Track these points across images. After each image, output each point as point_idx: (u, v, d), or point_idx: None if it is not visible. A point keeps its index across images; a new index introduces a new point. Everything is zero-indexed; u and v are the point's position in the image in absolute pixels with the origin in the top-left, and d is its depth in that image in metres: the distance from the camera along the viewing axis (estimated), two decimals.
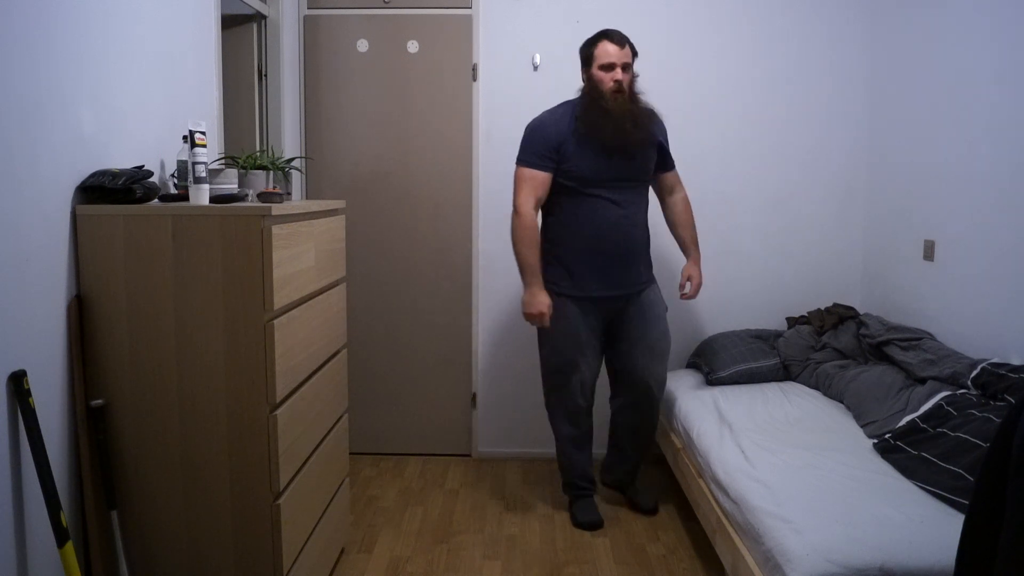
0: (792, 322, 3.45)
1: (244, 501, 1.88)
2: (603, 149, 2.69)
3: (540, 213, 2.85)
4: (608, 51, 2.67)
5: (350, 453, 2.98)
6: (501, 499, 3.19)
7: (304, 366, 2.11)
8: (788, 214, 3.53)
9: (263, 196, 2.06)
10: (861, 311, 3.39)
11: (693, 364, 3.42)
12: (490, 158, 3.47)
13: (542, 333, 2.86)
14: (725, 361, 3.17)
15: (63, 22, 1.73)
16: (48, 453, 1.64)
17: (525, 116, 2.83)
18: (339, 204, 2.53)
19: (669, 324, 2.96)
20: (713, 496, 2.42)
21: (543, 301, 2.73)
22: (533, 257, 2.74)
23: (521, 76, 3.46)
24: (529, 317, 2.76)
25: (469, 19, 3.44)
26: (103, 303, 1.81)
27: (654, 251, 2.96)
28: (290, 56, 3.36)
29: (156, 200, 1.94)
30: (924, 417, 2.37)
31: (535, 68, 3.46)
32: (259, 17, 3.17)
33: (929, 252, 2.97)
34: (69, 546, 1.66)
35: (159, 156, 2.17)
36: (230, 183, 2.10)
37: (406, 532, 2.88)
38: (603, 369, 2.99)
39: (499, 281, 3.50)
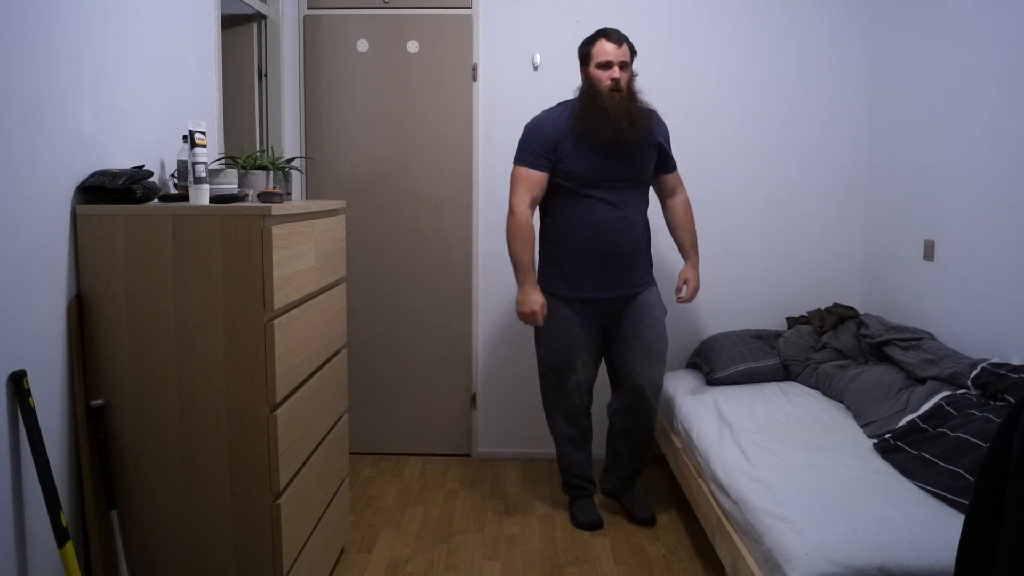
0: (792, 322, 3.45)
1: (244, 501, 1.88)
2: (599, 149, 2.68)
3: (539, 213, 2.85)
4: (605, 49, 2.66)
5: (350, 453, 2.98)
6: (501, 499, 3.19)
7: (304, 366, 2.11)
8: (788, 214, 3.53)
9: (263, 196, 2.06)
10: (861, 311, 3.39)
11: (693, 364, 3.43)
12: (490, 158, 3.47)
13: (538, 333, 2.86)
14: (725, 361, 3.17)
15: (63, 22, 1.73)
16: (48, 453, 1.64)
17: (525, 116, 2.83)
18: (339, 204, 2.53)
19: (669, 323, 2.95)
20: (713, 496, 2.42)
21: (536, 300, 2.73)
22: (527, 256, 2.74)
23: (521, 76, 3.46)
24: (522, 316, 2.76)
25: (469, 19, 3.44)
26: (103, 303, 1.81)
27: (654, 253, 2.94)
28: (290, 56, 3.36)
29: (156, 200, 1.94)
30: (924, 417, 2.37)
31: (535, 68, 3.46)
32: (259, 17, 3.18)
33: (929, 252, 2.97)
34: (69, 546, 1.66)
35: (159, 156, 2.17)
36: (230, 183, 2.10)
37: (406, 532, 2.88)
38: (605, 371, 2.98)
39: (499, 281, 3.50)
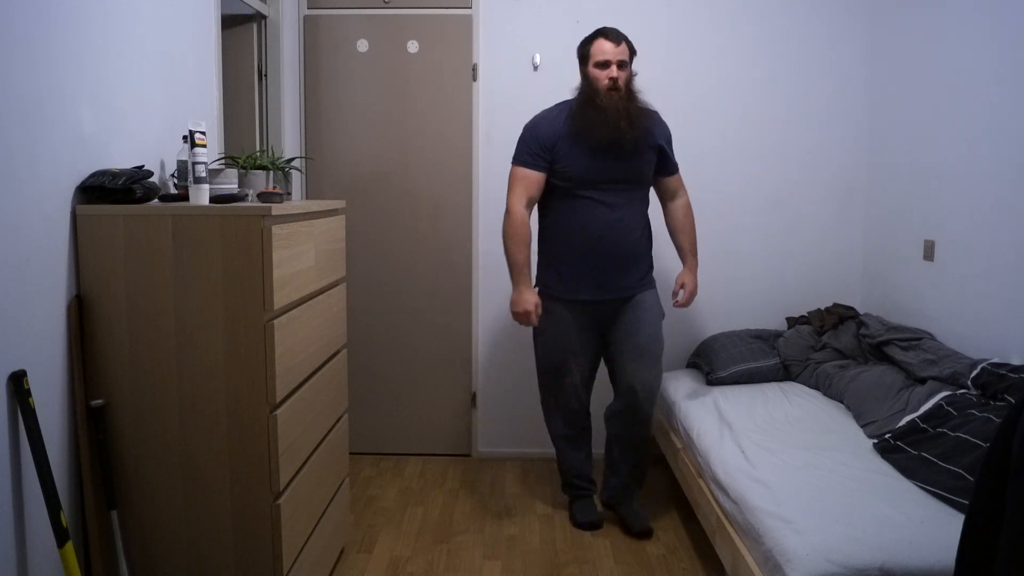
0: (792, 322, 3.45)
1: (244, 501, 1.88)
2: (596, 149, 2.65)
3: (538, 214, 2.84)
4: (604, 48, 2.64)
5: (350, 453, 2.97)
6: (501, 499, 3.19)
7: (304, 366, 2.11)
8: (788, 214, 3.53)
9: (263, 196, 2.06)
10: (861, 311, 3.39)
11: (693, 364, 3.43)
12: (490, 158, 3.47)
13: (536, 333, 2.86)
14: (725, 361, 3.17)
15: (63, 22, 1.73)
16: (48, 453, 1.64)
17: (525, 116, 2.83)
18: (339, 204, 2.53)
19: (669, 323, 2.95)
20: (713, 496, 2.42)
21: (529, 300, 2.71)
22: (522, 256, 2.72)
23: (521, 76, 3.46)
24: (516, 316, 2.75)
25: (469, 19, 3.44)
26: (103, 303, 1.81)
27: (654, 255, 2.92)
28: (290, 56, 3.36)
29: (156, 200, 1.94)
30: (924, 417, 2.37)
31: (535, 68, 3.46)
32: (259, 17, 3.18)
33: (929, 252, 2.97)
34: (69, 546, 1.66)
35: (159, 156, 2.17)
36: (230, 183, 2.10)
37: (406, 532, 2.88)
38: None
39: (499, 281, 3.50)
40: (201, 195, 1.93)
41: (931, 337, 2.85)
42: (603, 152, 2.65)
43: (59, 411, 1.76)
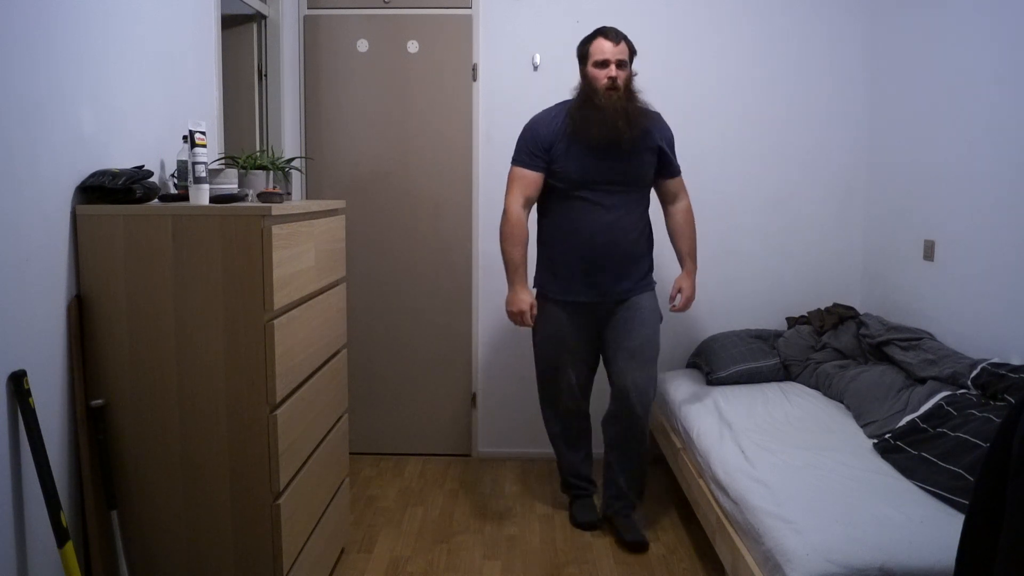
0: (792, 322, 3.45)
1: (244, 501, 1.88)
2: (594, 149, 2.62)
3: (537, 214, 2.83)
4: (603, 47, 2.61)
5: (350, 453, 2.97)
6: (501, 499, 3.19)
7: (304, 366, 2.11)
8: (788, 214, 3.53)
9: (263, 196, 2.06)
10: (861, 311, 3.39)
11: (693, 364, 3.43)
12: (490, 158, 3.47)
13: (534, 333, 2.86)
14: (725, 361, 3.17)
15: (63, 22, 1.73)
16: (48, 453, 1.64)
17: (525, 116, 2.83)
18: (339, 204, 2.53)
19: (669, 322, 2.94)
20: (713, 496, 2.42)
21: (524, 300, 2.71)
22: (518, 256, 2.70)
23: (521, 76, 3.46)
24: (511, 316, 2.74)
25: (469, 19, 3.44)
26: (103, 303, 1.81)
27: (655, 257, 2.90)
28: (290, 56, 3.36)
29: (156, 200, 1.94)
30: (924, 417, 2.37)
31: (535, 68, 3.46)
32: (259, 17, 3.18)
33: (929, 252, 2.97)
34: (69, 546, 1.66)
35: (159, 156, 2.17)
36: (230, 183, 2.10)
37: (406, 532, 2.88)
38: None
39: (499, 281, 3.47)
40: (201, 195, 1.93)
41: (931, 337, 2.85)
42: (601, 152, 2.63)
43: (59, 411, 1.76)
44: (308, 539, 2.15)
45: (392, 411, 3.65)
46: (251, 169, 2.32)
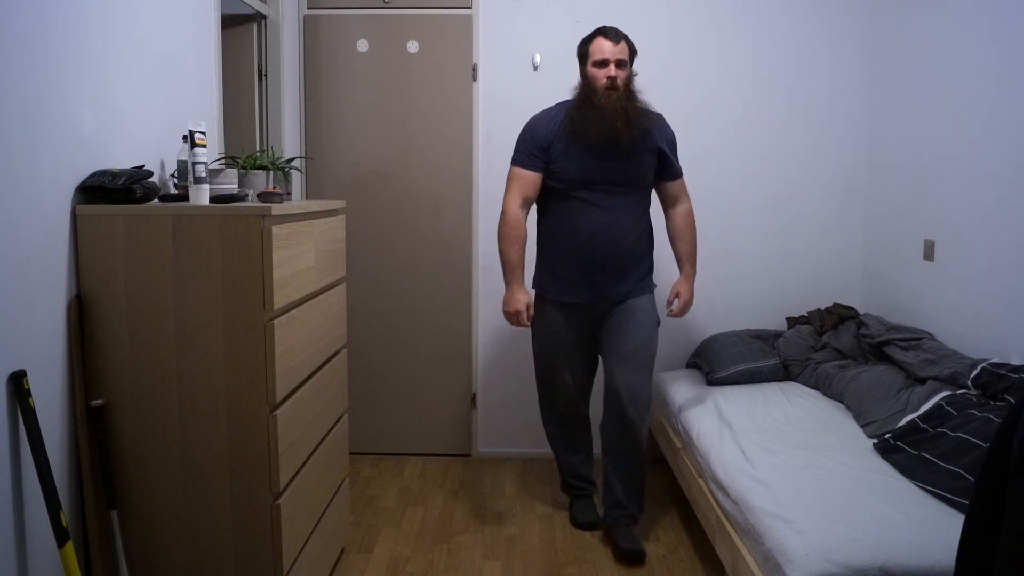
0: (792, 322, 3.45)
1: (244, 501, 1.88)
2: (592, 149, 2.60)
3: (537, 215, 2.83)
4: (602, 47, 2.59)
5: (350, 453, 2.97)
6: (501, 499, 3.19)
7: (304, 366, 2.11)
8: (788, 214, 3.53)
9: (263, 196, 2.06)
10: (861, 311, 3.39)
11: (693, 364, 3.43)
12: (490, 158, 3.47)
13: (533, 334, 2.85)
14: (725, 361, 3.17)
15: (63, 22, 1.73)
16: (48, 453, 1.64)
17: (525, 116, 2.83)
18: (339, 204, 2.53)
19: (670, 322, 2.93)
20: (713, 496, 2.42)
21: (520, 300, 2.68)
22: (515, 256, 2.69)
23: (521, 76, 3.46)
24: (507, 316, 2.72)
25: (469, 19, 3.44)
26: (103, 303, 1.81)
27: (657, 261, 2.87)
28: (290, 56, 3.36)
29: (156, 200, 1.94)
30: (924, 417, 2.37)
31: (535, 68, 3.46)
32: (259, 17, 3.18)
33: (929, 252, 2.97)
34: (69, 546, 1.66)
35: (159, 156, 2.17)
36: (230, 183, 2.10)
37: (406, 532, 2.88)
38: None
39: (499, 281, 3.46)
40: (201, 195, 1.93)
41: (931, 337, 2.85)
42: (599, 153, 2.61)
43: (59, 411, 1.76)
44: (308, 539, 2.15)
45: (392, 411, 3.65)
46: (251, 169, 2.32)
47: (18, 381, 1.59)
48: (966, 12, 2.75)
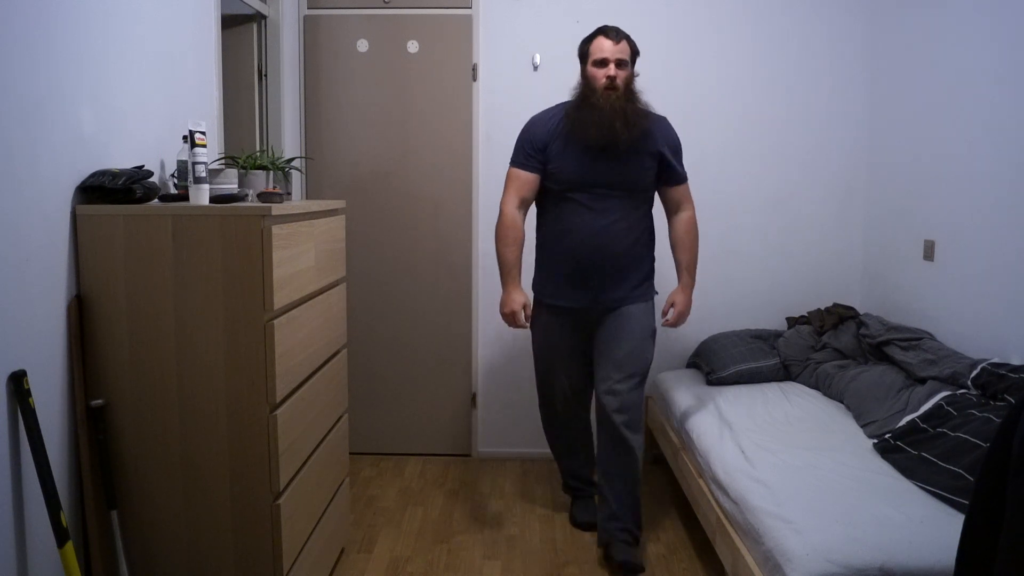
0: (792, 322, 3.45)
1: (244, 501, 1.88)
2: (589, 151, 2.55)
3: (536, 216, 2.81)
4: (603, 47, 2.55)
5: (350, 453, 2.97)
6: (501, 499, 3.19)
7: (304, 366, 2.11)
8: (788, 214, 3.53)
9: (263, 196, 2.06)
10: (861, 311, 3.39)
11: (693, 364, 3.43)
12: (490, 158, 3.47)
13: (532, 336, 2.83)
14: (725, 361, 3.17)
15: (63, 22, 1.73)
16: (48, 453, 1.64)
17: (525, 116, 2.82)
18: (339, 204, 2.53)
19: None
20: (713, 496, 2.42)
21: (516, 300, 2.64)
22: (511, 257, 2.65)
23: (521, 76, 3.46)
24: (504, 318, 2.68)
25: (469, 19, 3.44)
26: (103, 303, 1.81)
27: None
28: (290, 56, 3.37)
29: (156, 200, 1.94)
30: (924, 417, 2.37)
31: (535, 68, 3.46)
32: (259, 17, 3.18)
33: (929, 252, 2.97)
34: (69, 546, 1.66)
35: (159, 156, 2.17)
36: (230, 183, 2.10)
37: (406, 532, 2.88)
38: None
39: (499, 281, 3.49)
40: (201, 195, 1.93)
41: (931, 337, 2.85)
42: (596, 154, 2.56)
43: (59, 411, 1.76)
44: (308, 539, 2.15)
45: (392, 411, 3.65)
46: (251, 169, 2.32)
47: (18, 381, 1.59)
48: (966, 12, 2.75)
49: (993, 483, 1.29)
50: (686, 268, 2.74)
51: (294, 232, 1.99)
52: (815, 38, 3.44)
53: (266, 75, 3.24)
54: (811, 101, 3.47)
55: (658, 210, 2.79)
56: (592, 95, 2.55)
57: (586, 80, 2.61)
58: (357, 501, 3.14)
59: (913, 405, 2.50)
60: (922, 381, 2.63)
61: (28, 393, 1.60)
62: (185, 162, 2.02)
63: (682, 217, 2.76)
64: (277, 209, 1.86)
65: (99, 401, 1.82)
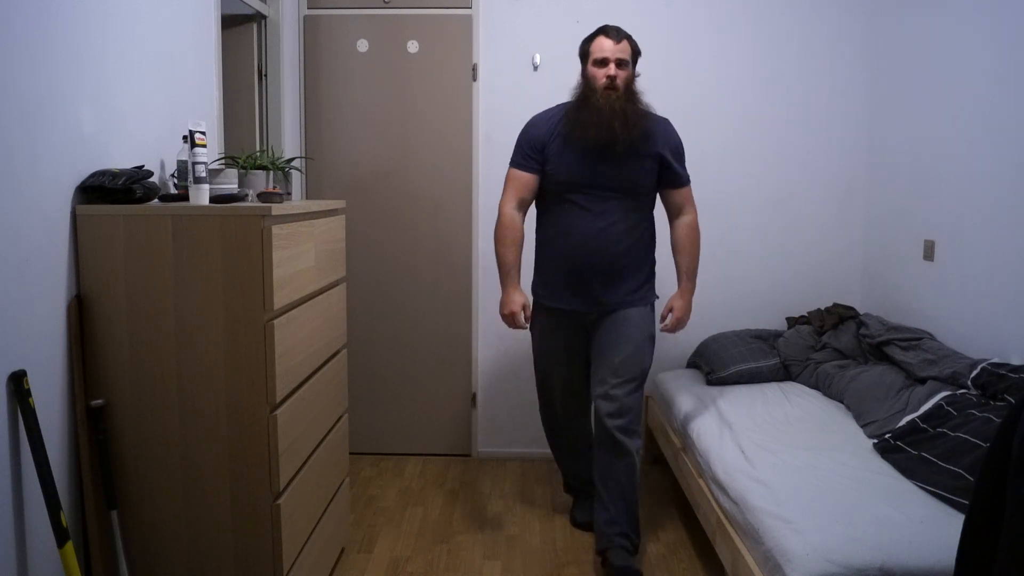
0: (792, 322, 3.45)
1: (244, 501, 1.88)
2: (587, 151, 2.52)
3: (536, 217, 2.81)
4: (603, 46, 2.53)
5: (350, 453, 2.97)
6: (501, 499, 3.19)
7: (304, 366, 2.11)
8: (788, 214, 3.53)
9: (263, 196, 2.06)
10: (861, 311, 3.40)
11: (693, 364, 3.43)
12: (490, 158, 3.47)
13: (532, 337, 2.83)
14: (725, 361, 3.17)
15: (63, 22, 1.73)
16: (48, 453, 1.64)
17: (525, 116, 2.82)
18: (339, 204, 2.53)
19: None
20: (713, 496, 2.42)
21: (515, 301, 2.63)
22: (510, 257, 2.63)
23: (521, 76, 3.46)
24: (504, 319, 2.67)
25: (469, 19, 3.44)
26: (103, 303, 1.81)
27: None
28: (290, 56, 3.37)
29: (156, 200, 1.94)
30: (924, 417, 2.37)
31: (535, 68, 3.46)
32: (259, 17, 3.18)
33: (929, 252, 2.97)
34: (69, 546, 1.66)
35: (159, 156, 2.17)
36: (230, 183, 2.10)
37: (406, 532, 2.88)
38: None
39: (499, 281, 3.49)
40: (201, 195, 1.93)
41: (931, 337, 2.85)
42: (595, 155, 2.53)
43: (59, 411, 1.76)
44: (308, 539, 2.15)
45: (392, 411, 3.65)
46: (251, 169, 2.32)
47: (18, 381, 1.59)
48: (966, 12, 2.75)
49: (993, 483, 1.29)
50: (686, 273, 2.70)
51: (294, 232, 1.99)
52: (815, 38, 3.44)
53: (266, 75, 3.24)
54: (811, 101, 3.47)
55: (660, 213, 2.79)
56: (592, 95, 2.53)
57: (586, 80, 2.59)
58: (357, 501, 3.14)
59: (913, 405, 2.50)
60: (922, 381, 2.63)
61: (28, 393, 1.61)
62: (185, 162, 2.02)
63: (683, 221, 2.71)
64: (277, 209, 1.86)
65: (99, 401, 1.82)
